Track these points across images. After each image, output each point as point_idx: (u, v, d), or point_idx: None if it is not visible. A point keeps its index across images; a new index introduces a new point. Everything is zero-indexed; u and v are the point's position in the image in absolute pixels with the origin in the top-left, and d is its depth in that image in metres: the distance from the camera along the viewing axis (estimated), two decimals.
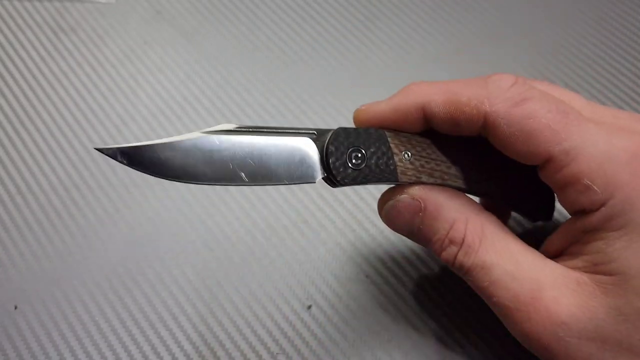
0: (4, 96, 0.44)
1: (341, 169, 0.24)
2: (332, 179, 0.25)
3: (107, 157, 0.22)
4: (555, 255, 0.26)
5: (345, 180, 0.25)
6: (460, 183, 0.26)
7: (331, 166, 0.24)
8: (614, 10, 0.48)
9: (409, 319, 0.34)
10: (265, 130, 0.24)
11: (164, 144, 0.23)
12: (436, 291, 0.35)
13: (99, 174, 0.40)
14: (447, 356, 0.33)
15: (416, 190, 0.26)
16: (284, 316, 0.34)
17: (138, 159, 0.22)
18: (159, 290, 0.35)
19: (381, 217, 0.28)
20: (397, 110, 0.26)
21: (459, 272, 0.26)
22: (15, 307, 0.35)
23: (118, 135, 0.41)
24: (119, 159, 0.22)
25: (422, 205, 0.26)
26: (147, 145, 0.23)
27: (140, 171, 0.23)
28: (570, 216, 0.26)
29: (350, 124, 0.42)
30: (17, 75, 0.45)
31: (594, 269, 0.24)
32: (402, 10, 0.48)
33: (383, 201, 0.27)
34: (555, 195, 0.25)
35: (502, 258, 0.25)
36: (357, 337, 0.34)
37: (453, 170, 0.26)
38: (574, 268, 0.25)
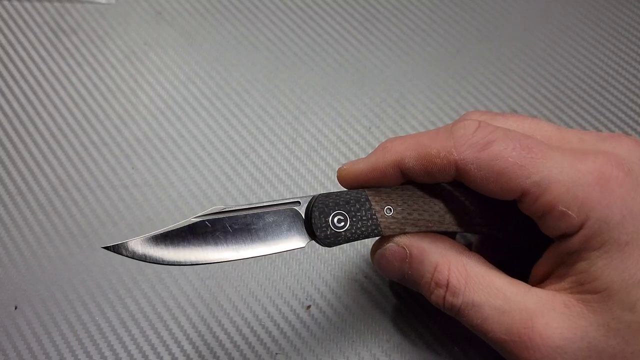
0: (5, 96, 0.44)
1: (326, 234, 0.26)
2: (319, 243, 0.27)
3: (114, 253, 0.25)
4: (542, 279, 0.27)
5: (331, 244, 0.26)
6: (446, 227, 0.28)
7: (316, 233, 0.26)
8: (612, 11, 0.48)
9: (407, 320, 0.34)
10: (253, 207, 0.26)
11: (163, 234, 0.25)
12: None
13: (99, 174, 0.40)
14: (446, 357, 0.33)
15: (401, 238, 0.27)
16: (283, 316, 0.34)
17: (141, 252, 0.25)
18: (158, 291, 0.35)
19: (374, 264, 0.29)
20: (375, 170, 0.28)
21: (451, 313, 0.27)
22: (16, 307, 0.35)
23: (118, 136, 0.42)
24: (124, 254, 0.25)
25: (407, 251, 0.27)
26: (148, 238, 0.25)
27: (146, 262, 0.25)
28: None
29: (348, 125, 0.42)
30: (18, 76, 0.45)
31: (579, 289, 0.24)
32: (401, 11, 0.49)
33: (374, 251, 0.29)
34: (537, 224, 0.26)
35: (490, 294, 0.26)
36: (355, 337, 0.34)
37: (436, 216, 0.27)
38: (561, 290, 0.25)
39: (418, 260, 0.27)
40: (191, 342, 0.34)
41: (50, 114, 0.43)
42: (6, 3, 0.49)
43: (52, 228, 0.38)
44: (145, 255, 0.25)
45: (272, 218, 0.27)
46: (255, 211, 0.26)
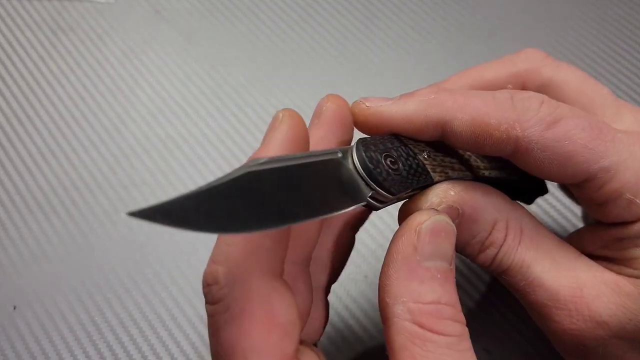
0: (3, 96, 0.44)
1: (387, 176, 0.22)
2: (382, 191, 0.22)
3: (143, 220, 0.18)
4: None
5: (395, 188, 0.22)
6: (475, 171, 0.25)
7: (377, 176, 0.22)
8: (614, 10, 0.47)
9: None
10: (293, 158, 0.21)
11: (205, 191, 0.19)
12: None
13: (98, 174, 0.40)
14: None
15: (452, 196, 0.23)
16: None
17: (180, 215, 0.18)
18: (157, 291, 0.35)
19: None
20: (411, 122, 0.23)
21: (494, 271, 0.25)
22: (14, 308, 0.35)
23: (117, 135, 0.41)
24: (160, 220, 0.18)
25: (460, 211, 0.24)
26: (186, 196, 0.19)
27: (186, 229, 0.18)
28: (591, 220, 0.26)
29: None
30: (16, 75, 0.45)
31: (631, 273, 0.23)
32: (401, 10, 0.48)
33: (409, 215, 0.24)
34: (588, 210, 0.25)
35: (541, 255, 0.24)
36: (355, 338, 0.34)
37: (463, 160, 0.25)
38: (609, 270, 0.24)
39: (471, 220, 0.24)
40: (190, 342, 0.34)
41: (48, 113, 0.43)
42: (5, 2, 0.48)
43: (51, 228, 0.37)
44: (187, 221, 0.18)
45: (321, 170, 0.21)
46: (301, 161, 0.21)
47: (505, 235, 0.24)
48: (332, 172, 0.22)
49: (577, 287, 0.23)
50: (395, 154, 0.23)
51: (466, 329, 0.22)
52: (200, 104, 0.43)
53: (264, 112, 0.43)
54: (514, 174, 0.27)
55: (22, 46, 0.46)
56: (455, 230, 0.23)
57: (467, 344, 0.21)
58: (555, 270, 0.23)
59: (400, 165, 0.23)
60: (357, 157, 0.22)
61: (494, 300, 0.34)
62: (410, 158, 0.23)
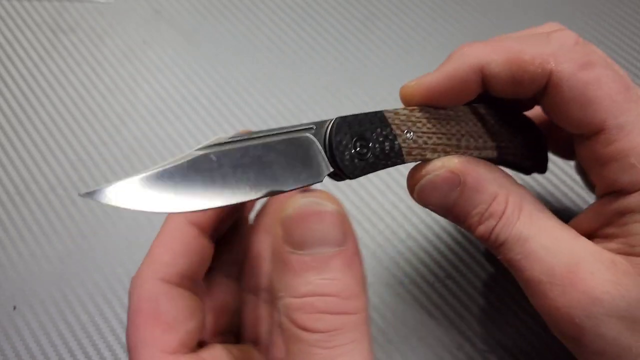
0: (3, 96, 0.44)
1: (349, 163, 0.23)
2: (340, 174, 0.23)
3: (95, 201, 0.20)
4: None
5: (354, 174, 0.23)
6: (462, 152, 0.26)
7: (338, 161, 0.23)
8: (614, 11, 0.47)
9: (406, 323, 0.34)
10: (262, 135, 0.22)
11: (158, 173, 0.20)
12: (437, 293, 0.35)
13: (97, 174, 0.40)
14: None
15: (455, 163, 0.24)
16: None
17: (132, 198, 0.20)
18: None
19: (412, 193, 0.26)
20: (453, 77, 0.25)
21: (492, 245, 0.25)
22: (14, 308, 0.35)
23: (117, 135, 0.41)
24: (108, 201, 0.20)
25: (462, 178, 0.24)
26: (139, 179, 0.20)
27: (141, 209, 0.21)
28: (596, 199, 0.26)
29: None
30: (16, 75, 0.45)
31: (630, 251, 0.23)
32: (401, 10, 0.48)
33: (414, 177, 0.25)
34: (587, 172, 0.25)
35: (539, 231, 0.24)
36: None
37: (453, 140, 0.25)
38: (607, 250, 0.24)
39: (473, 189, 0.24)
40: None
41: (48, 113, 0.43)
42: (5, 2, 0.48)
43: (51, 228, 0.37)
44: (137, 201, 0.20)
45: (285, 148, 0.22)
46: (265, 140, 0.22)
47: (505, 208, 0.24)
48: (300, 147, 0.22)
49: (573, 263, 0.23)
50: (369, 135, 0.24)
51: (351, 317, 0.21)
52: (200, 104, 0.43)
53: (264, 112, 0.43)
54: (510, 154, 0.28)
55: (22, 46, 0.46)
56: (336, 210, 0.22)
57: (341, 339, 0.20)
58: (552, 246, 0.24)
59: (370, 150, 0.23)
60: (327, 137, 0.23)
61: (493, 301, 0.34)
62: (388, 140, 0.24)
